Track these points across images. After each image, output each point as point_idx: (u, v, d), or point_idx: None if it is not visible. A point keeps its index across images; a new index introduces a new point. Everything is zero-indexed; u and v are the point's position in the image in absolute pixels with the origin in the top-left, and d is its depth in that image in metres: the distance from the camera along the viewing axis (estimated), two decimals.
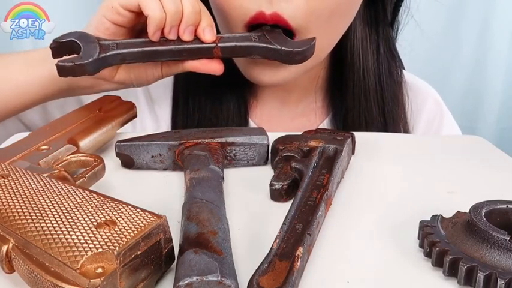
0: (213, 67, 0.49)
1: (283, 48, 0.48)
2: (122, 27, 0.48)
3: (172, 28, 0.46)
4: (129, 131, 0.52)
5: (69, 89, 0.52)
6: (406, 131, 0.65)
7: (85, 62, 0.44)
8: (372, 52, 0.62)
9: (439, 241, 0.29)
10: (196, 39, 0.48)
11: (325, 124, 0.65)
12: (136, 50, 0.46)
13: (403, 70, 0.68)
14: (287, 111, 0.65)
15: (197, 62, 0.49)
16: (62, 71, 0.44)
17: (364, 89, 0.62)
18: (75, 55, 0.45)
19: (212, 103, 0.62)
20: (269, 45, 0.48)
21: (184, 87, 0.63)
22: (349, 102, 0.63)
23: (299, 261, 0.27)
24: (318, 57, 0.57)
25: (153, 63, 0.50)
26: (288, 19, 0.50)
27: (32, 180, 0.31)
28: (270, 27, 0.49)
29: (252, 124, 0.64)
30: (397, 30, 0.66)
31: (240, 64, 0.56)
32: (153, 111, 0.66)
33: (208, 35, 0.48)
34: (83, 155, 0.40)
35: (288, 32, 0.50)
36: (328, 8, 0.50)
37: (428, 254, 0.30)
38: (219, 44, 0.48)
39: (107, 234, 0.25)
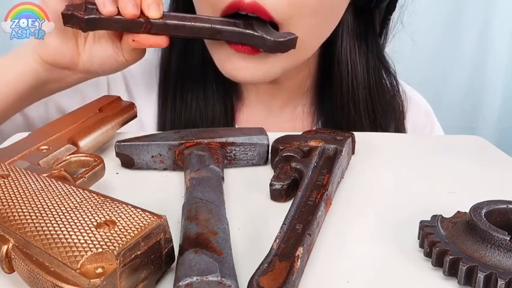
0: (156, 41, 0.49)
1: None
2: None
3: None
4: (129, 131, 0.52)
5: (38, 84, 0.52)
6: None
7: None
8: (361, 64, 0.62)
9: (439, 241, 0.29)
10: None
11: None
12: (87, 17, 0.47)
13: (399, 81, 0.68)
14: (272, 116, 0.65)
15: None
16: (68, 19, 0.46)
17: (354, 100, 0.62)
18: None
19: (198, 106, 0.62)
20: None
21: (170, 93, 0.63)
22: (338, 113, 0.63)
23: (299, 261, 0.27)
24: (301, 55, 0.56)
25: (112, 48, 0.50)
26: (269, 9, 0.49)
27: (32, 180, 0.31)
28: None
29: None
30: (385, 39, 0.66)
31: (216, 59, 0.55)
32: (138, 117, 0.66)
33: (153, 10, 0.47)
34: (83, 155, 0.40)
35: (272, 24, 0.50)
36: (311, 5, 0.50)
37: (428, 254, 0.30)
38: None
39: (107, 234, 0.25)
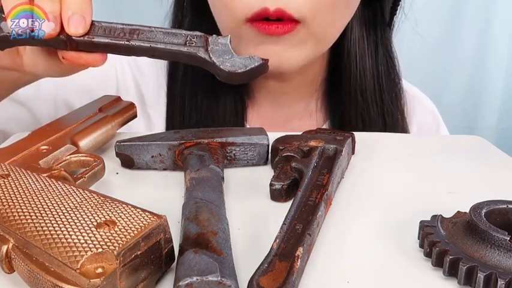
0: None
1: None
2: None
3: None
4: (138, 131, 0.52)
5: None
6: (405, 131, 0.66)
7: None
8: (370, 53, 0.62)
9: (439, 241, 0.29)
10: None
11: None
12: None
13: (403, 79, 0.68)
14: (282, 113, 0.65)
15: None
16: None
17: (361, 89, 0.62)
18: None
19: (209, 105, 0.62)
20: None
21: (181, 90, 0.63)
22: (346, 103, 0.63)
23: (299, 261, 0.27)
24: (323, 47, 0.57)
25: (54, 56, 0.42)
26: (293, 12, 0.50)
27: (32, 180, 0.31)
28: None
29: (246, 126, 0.64)
30: (393, 30, 0.66)
31: (241, 49, 0.52)
32: (147, 113, 0.66)
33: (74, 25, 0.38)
34: (83, 155, 0.40)
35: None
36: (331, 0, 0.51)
37: (428, 254, 0.30)
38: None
39: (107, 234, 0.25)
